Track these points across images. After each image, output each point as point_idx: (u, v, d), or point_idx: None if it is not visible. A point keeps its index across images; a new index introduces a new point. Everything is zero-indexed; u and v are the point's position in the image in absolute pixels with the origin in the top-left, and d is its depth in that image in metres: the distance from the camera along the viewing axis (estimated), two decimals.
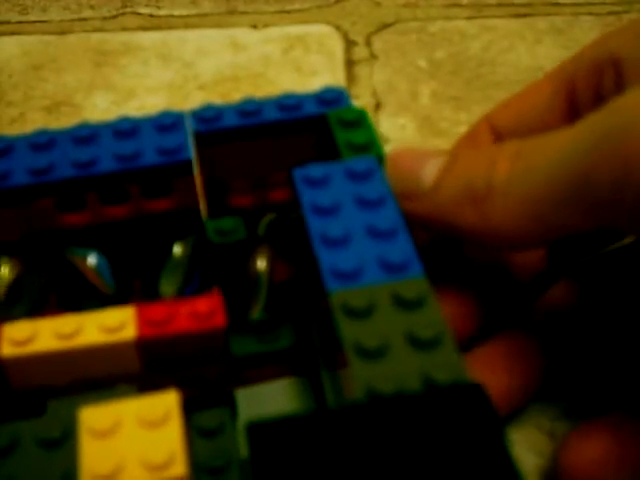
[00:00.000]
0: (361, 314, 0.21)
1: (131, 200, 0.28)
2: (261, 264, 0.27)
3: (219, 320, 0.25)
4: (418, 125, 0.48)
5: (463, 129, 0.36)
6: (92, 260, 0.27)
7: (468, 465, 0.18)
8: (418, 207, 0.26)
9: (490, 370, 0.27)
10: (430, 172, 0.26)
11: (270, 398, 0.27)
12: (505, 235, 0.24)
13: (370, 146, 0.29)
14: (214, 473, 0.22)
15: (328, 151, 0.30)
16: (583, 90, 0.28)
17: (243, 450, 0.22)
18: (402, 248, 0.23)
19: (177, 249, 0.28)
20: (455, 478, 0.18)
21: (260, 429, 0.19)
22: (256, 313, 0.27)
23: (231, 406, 0.26)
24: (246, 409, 0.26)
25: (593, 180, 0.21)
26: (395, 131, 0.48)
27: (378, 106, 0.49)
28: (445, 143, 0.46)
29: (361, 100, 0.50)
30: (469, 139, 0.32)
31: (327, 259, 0.23)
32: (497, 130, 0.31)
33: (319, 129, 0.30)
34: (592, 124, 0.22)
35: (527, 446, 0.29)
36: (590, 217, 0.22)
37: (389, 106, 0.49)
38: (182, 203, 0.29)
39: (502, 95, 0.36)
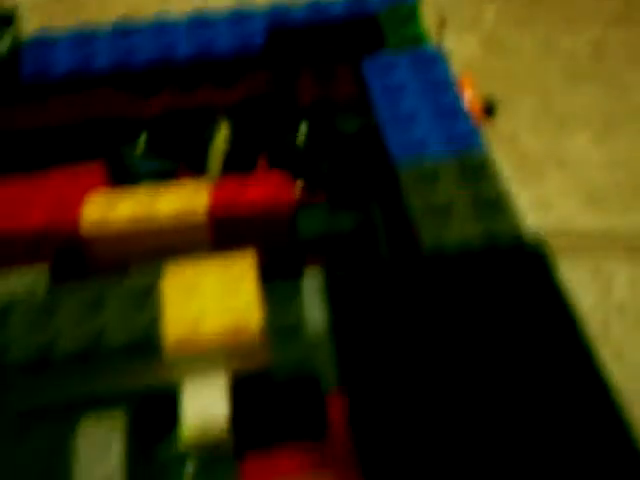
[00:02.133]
0: (427, 179, 0.22)
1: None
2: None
3: (290, 194, 0.26)
4: (482, 44, 0.48)
5: (528, 48, 0.36)
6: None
7: (525, 317, 0.19)
8: None
9: None
10: None
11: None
12: None
13: (419, 39, 0.29)
14: (283, 333, 0.23)
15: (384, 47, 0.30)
16: None
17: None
18: (464, 125, 0.24)
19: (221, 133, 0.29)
20: (512, 329, 0.19)
21: (338, 280, 0.20)
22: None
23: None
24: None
25: None
26: (459, 49, 0.48)
27: (442, 23, 0.49)
28: (508, 63, 0.46)
29: (426, 18, 0.50)
30: None
31: (394, 133, 0.24)
32: None
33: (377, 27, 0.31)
34: None
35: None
36: None
37: (453, 24, 0.49)
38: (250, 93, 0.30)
39: (568, 14, 0.35)
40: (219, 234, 0.26)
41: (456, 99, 0.25)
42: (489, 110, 0.31)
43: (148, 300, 0.22)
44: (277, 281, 0.24)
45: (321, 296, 0.27)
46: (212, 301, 0.22)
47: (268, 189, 0.26)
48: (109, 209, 0.25)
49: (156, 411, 0.22)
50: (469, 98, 0.29)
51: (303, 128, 0.29)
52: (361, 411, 0.18)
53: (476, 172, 0.22)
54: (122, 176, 0.27)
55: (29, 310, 0.22)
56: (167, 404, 0.22)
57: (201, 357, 0.22)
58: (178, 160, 0.28)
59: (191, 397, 0.22)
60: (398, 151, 0.23)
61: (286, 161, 0.28)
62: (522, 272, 0.19)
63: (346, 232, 0.28)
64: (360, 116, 0.30)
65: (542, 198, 0.47)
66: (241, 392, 0.22)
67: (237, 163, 0.28)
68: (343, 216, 0.28)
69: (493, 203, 0.21)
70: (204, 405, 0.22)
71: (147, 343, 0.21)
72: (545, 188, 0.47)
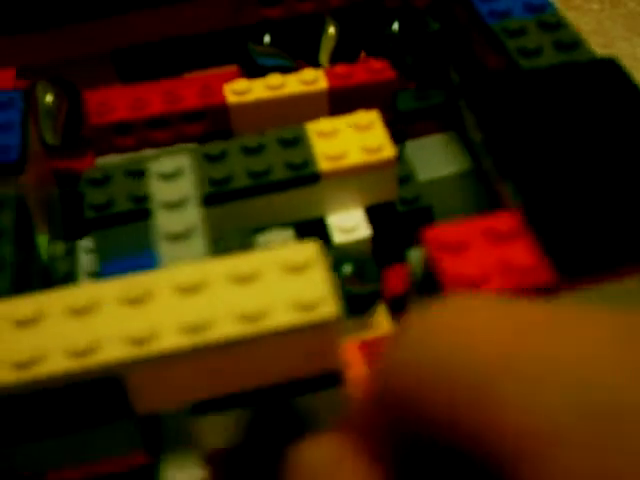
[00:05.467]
0: (516, 31, 0.27)
1: None
2: None
3: (390, 74, 0.32)
4: None
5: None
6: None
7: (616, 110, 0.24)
8: None
9: None
10: None
11: (433, 146, 0.33)
12: None
13: None
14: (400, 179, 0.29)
15: None
16: None
17: None
18: None
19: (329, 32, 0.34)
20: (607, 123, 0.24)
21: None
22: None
23: None
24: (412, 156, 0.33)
25: None
26: None
27: None
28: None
29: None
30: None
31: (483, 5, 0.29)
32: None
33: None
34: None
35: None
36: None
37: None
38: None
39: None
40: (335, 104, 0.31)
41: None
42: None
43: (300, 142, 0.27)
44: None
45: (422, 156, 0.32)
46: (351, 141, 0.27)
47: (375, 67, 0.32)
48: (248, 85, 0.31)
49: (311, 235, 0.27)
50: None
51: (395, 26, 0.34)
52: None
53: (555, 24, 0.27)
54: (252, 71, 0.33)
55: (202, 157, 0.27)
56: (319, 229, 0.28)
57: (346, 186, 0.27)
58: (296, 56, 0.34)
59: (339, 220, 0.27)
60: (488, 18, 0.29)
61: (381, 54, 0.34)
62: (608, 78, 0.25)
63: (435, 105, 0.34)
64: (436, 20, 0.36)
65: None
66: (374, 217, 0.28)
67: (343, 56, 0.34)
68: (433, 93, 0.34)
69: (572, 43, 0.27)
70: (351, 226, 0.27)
71: (307, 173, 0.26)
72: None
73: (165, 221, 0.22)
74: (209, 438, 0.20)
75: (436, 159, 0.32)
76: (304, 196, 0.27)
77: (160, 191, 0.23)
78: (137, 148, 0.31)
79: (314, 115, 0.32)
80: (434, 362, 0.14)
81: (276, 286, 0.19)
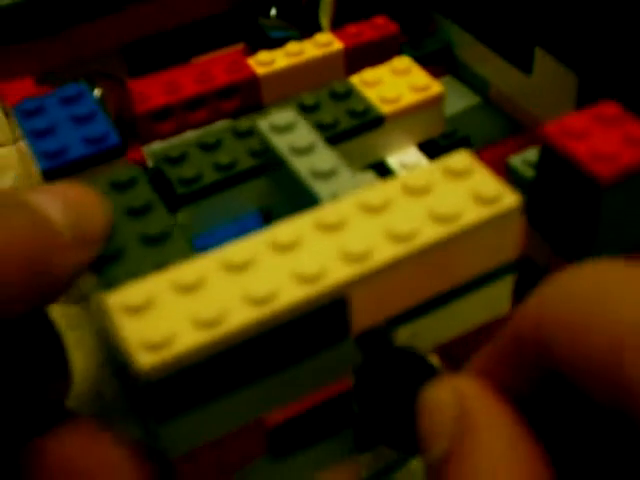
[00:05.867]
0: None
1: None
2: None
3: (394, 28, 0.34)
4: None
5: None
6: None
7: None
8: None
9: None
10: None
11: None
12: None
13: None
14: None
15: None
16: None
17: None
18: None
19: None
20: None
21: None
22: None
23: None
24: None
25: None
26: None
27: None
28: None
29: None
30: None
31: None
32: None
33: None
34: None
35: None
36: None
37: None
38: None
39: None
40: (350, 63, 0.33)
41: None
42: None
43: (353, 93, 0.29)
44: None
45: None
46: (398, 85, 0.29)
47: (379, 23, 0.34)
48: (271, 56, 0.32)
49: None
50: None
51: None
52: None
53: None
54: (262, 45, 0.34)
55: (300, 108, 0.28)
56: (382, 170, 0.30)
57: (404, 126, 0.29)
58: (300, 26, 0.35)
59: (400, 159, 0.29)
60: None
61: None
62: None
63: (431, 52, 0.36)
64: None
65: None
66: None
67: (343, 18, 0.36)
68: (427, 42, 0.37)
69: None
70: (413, 162, 0.29)
71: (371, 117, 0.28)
72: None
73: (304, 165, 0.23)
74: None
75: (448, 98, 0.35)
76: (368, 141, 0.29)
77: (282, 141, 0.24)
78: (177, 132, 0.31)
79: (332, 76, 0.33)
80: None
81: (454, 191, 0.20)
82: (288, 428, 0.22)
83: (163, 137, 0.31)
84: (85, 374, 0.28)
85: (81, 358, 0.29)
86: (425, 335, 0.22)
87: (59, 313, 0.30)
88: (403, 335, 0.21)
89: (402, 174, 0.21)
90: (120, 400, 0.28)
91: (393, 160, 0.30)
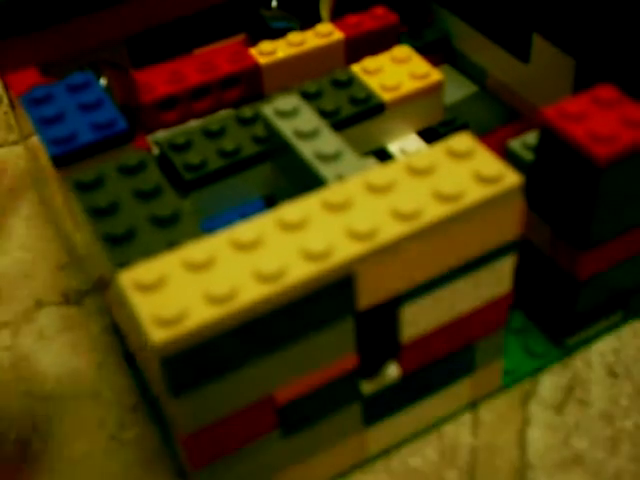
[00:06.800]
0: None
1: None
2: None
3: (393, 18, 0.34)
4: None
5: None
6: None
7: None
8: None
9: None
10: None
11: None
12: None
13: None
14: None
15: None
16: None
17: None
18: None
19: None
20: None
21: None
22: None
23: None
24: None
25: None
26: None
27: None
28: None
29: None
30: None
31: None
32: None
33: None
34: None
35: None
36: None
37: None
38: None
39: None
40: (351, 52, 0.34)
41: None
42: None
43: (354, 81, 0.29)
44: None
45: None
46: (398, 73, 0.30)
47: (378, 14, 0.34)
48: (273, 46, 0.33)
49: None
50: None
51: None
52: None
53: None
54: (264, 35, 0.35)
55: (302, 96, 0.29)
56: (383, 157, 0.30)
57: (404, 113, 0.30)
58: (300, 17, 0.36)
59: (400, 146, 0.30)
60: None
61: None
62: None
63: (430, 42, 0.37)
64: None
65: None
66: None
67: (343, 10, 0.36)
68: (426, 33, 0.37)
69: None
70: (414, 149, 0.30)
71: (373, 104, 0.29)
72: None
73: (309, 148, 0.23)
74: None
75: (447, 88, 0.35)
76: (369, 128, 0.30)
77: (287, 126, 0.24)
78: (181, 121, 0.32)
79: (332, 65, 0.34)
80: None
81: (456, 171, 0.21)
82: (297, 405, 0.22)
83: (167, 126, 0.32)
84: (85, 374, 0.28)
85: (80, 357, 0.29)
86: (429, 313, 0.22)
87: (59, 313, 0.30)
88: None
89: (406, 157, 0.22)
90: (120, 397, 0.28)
91: (394, 147, 0.30)
